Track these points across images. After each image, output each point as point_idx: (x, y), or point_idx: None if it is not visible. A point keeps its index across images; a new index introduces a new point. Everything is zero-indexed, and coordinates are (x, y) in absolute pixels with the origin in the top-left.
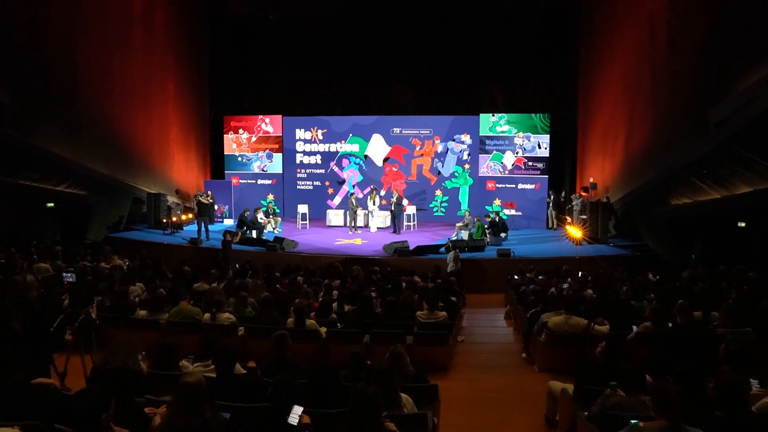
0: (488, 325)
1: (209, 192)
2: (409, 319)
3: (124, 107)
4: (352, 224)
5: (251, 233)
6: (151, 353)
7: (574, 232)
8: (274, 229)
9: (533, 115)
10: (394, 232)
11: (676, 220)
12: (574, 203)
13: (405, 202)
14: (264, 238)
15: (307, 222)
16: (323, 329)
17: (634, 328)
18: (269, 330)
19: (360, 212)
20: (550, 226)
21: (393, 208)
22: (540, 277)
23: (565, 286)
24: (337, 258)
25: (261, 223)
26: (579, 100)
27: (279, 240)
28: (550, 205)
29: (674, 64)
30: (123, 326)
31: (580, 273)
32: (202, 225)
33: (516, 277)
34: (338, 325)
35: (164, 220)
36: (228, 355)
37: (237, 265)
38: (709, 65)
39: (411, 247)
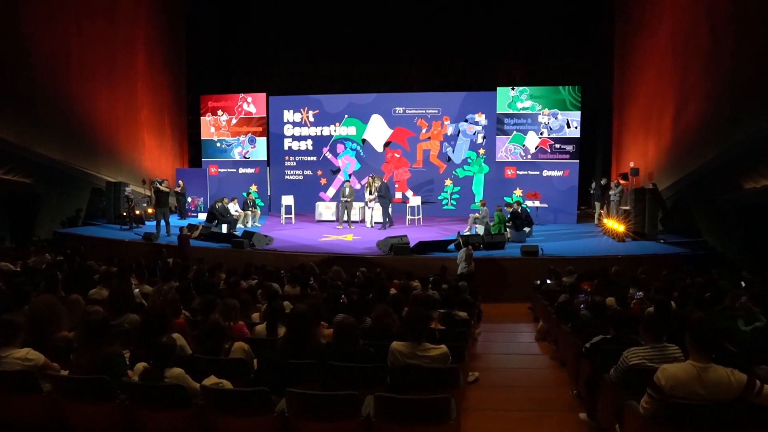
0: (513, 351)
1: (181, 182)
2: (379, 357)
3: (82, 84)
4: (344, 218)
5: (221, 227)
6: None
7: (615, 226)
8: (252, 223)
9: (561, 88)
10: (390, 225)
11: (750, 209)
12: (612, 192)
13: (410, 193)
14: (235, 233)
15: (293, 216)
16: (206, 383)
17: None
18: (91, 385)
19: (355, 204)
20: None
21: (379, 200)
22: (586, 284)
23: (639, 295)
24: (317, 257)
25: (233, 215)
26: (615, 71)
27: (248, 235)
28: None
29: (743, 13)
30: None
31: (641, 276)
32: (162, 218)
33: (549, 281)
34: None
35: (123, 214)
36: None
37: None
38: None
39: (411, 244)
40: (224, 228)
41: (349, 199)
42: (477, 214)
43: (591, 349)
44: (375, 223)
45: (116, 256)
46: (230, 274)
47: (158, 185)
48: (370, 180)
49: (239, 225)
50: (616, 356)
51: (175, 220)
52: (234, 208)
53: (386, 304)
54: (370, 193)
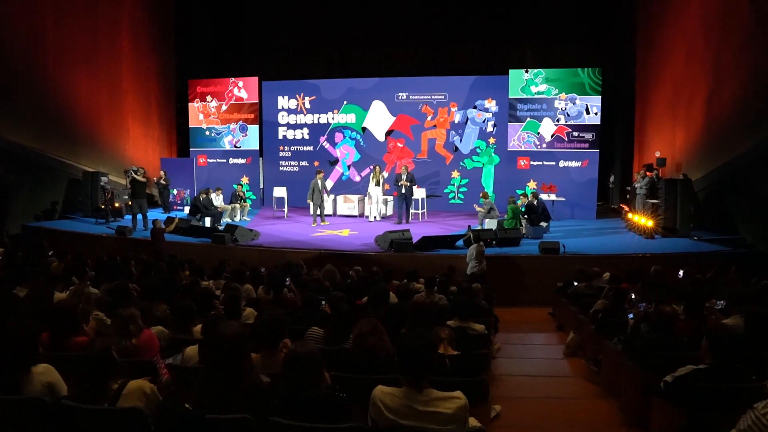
0: (540, 372)
1: (163, 172)
2: (357, 408)
3: (60, 67)
4: (316, 212)
5: (204, 221)
6: None
7: (643, 221)
8: (240, 217)
9: (580, 70)
10: (399, 221)
11: None
12: (637, 185)
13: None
14: (218, 226)
15: (285, 209)
16: None
17: None
18: None
19: (352, 197)
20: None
21: (404, 190)
22: (625, 287)
23: (720, 304)
24: (307, 254)
25: (216, 208)
26: (637, 53)
27: (231, 229)
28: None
29: None
30: None
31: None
32: (138, 211)
33: (576, 283)
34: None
35: (101, 206)
36: None
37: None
38: None
39: (415, 240)
40: (207, 221)
41: (318, 192)
42: (481, 209)
43: (676, 385)
44: (383, 217)
45: (76, 252)
46: (195, 273)
47: (133, 174)
48: (377, 169)
49: (226, 219)
50: (730, 402)
51: (158, 214)
52: (215, 199)
53: (384, 313)
54: (377, 184)
